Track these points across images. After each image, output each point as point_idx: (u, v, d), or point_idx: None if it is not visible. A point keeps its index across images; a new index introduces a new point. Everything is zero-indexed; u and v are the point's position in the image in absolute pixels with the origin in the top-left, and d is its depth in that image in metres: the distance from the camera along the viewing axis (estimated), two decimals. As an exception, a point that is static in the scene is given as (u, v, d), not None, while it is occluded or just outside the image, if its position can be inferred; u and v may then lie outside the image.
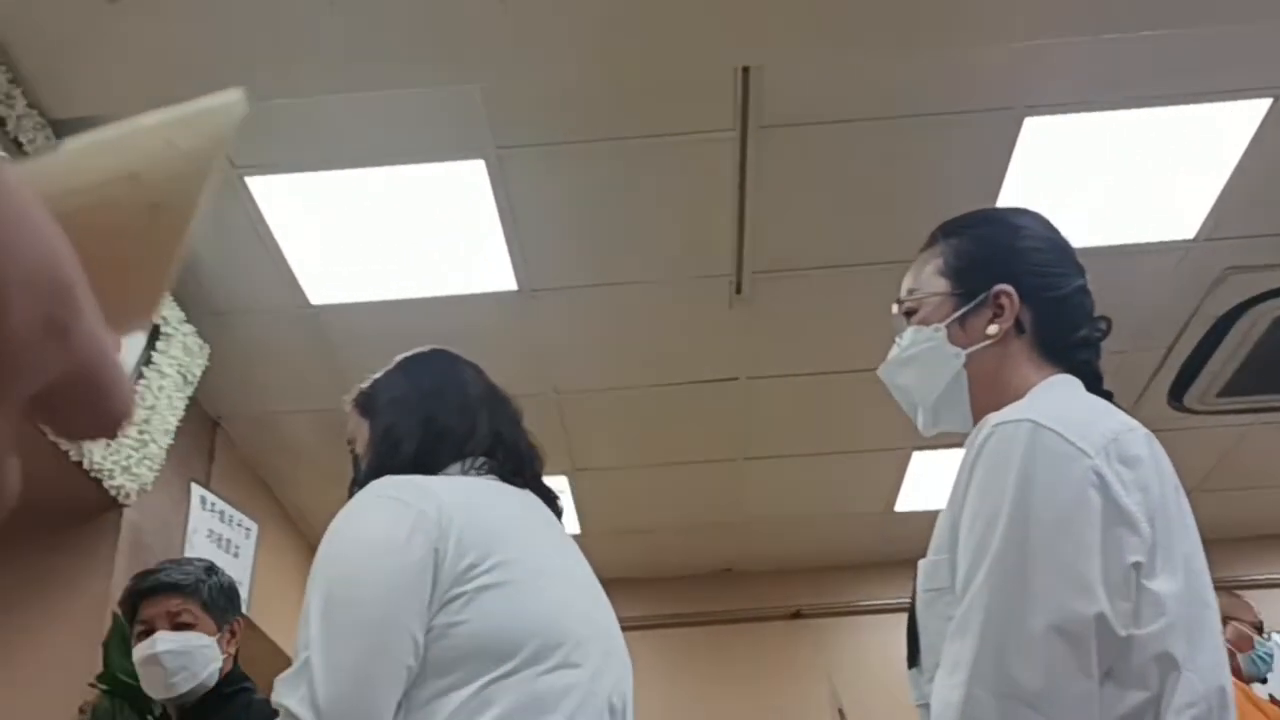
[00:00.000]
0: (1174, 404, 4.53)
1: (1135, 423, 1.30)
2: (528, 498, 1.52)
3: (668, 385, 4.34)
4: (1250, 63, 2.96)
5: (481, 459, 1.49)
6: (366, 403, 1.58)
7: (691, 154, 3.20)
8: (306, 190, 3.22)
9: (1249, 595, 5.93)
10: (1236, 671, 3.38)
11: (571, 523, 5.35)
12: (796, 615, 6.04)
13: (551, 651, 1.31)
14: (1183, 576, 1.22)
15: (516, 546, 1.38)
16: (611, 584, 6.17)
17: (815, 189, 3.36)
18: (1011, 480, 1.20)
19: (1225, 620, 3.41)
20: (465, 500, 1.40)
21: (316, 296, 3.67)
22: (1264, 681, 3.45)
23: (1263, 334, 4.03)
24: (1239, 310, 3.95)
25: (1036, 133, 3.17)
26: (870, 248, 3.55)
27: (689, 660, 5.95)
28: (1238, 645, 3.43)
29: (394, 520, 1.33)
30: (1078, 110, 3.12)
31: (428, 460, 1.46)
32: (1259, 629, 3.48)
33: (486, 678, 1.26)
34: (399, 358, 1.63)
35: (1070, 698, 1.13)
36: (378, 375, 1.61)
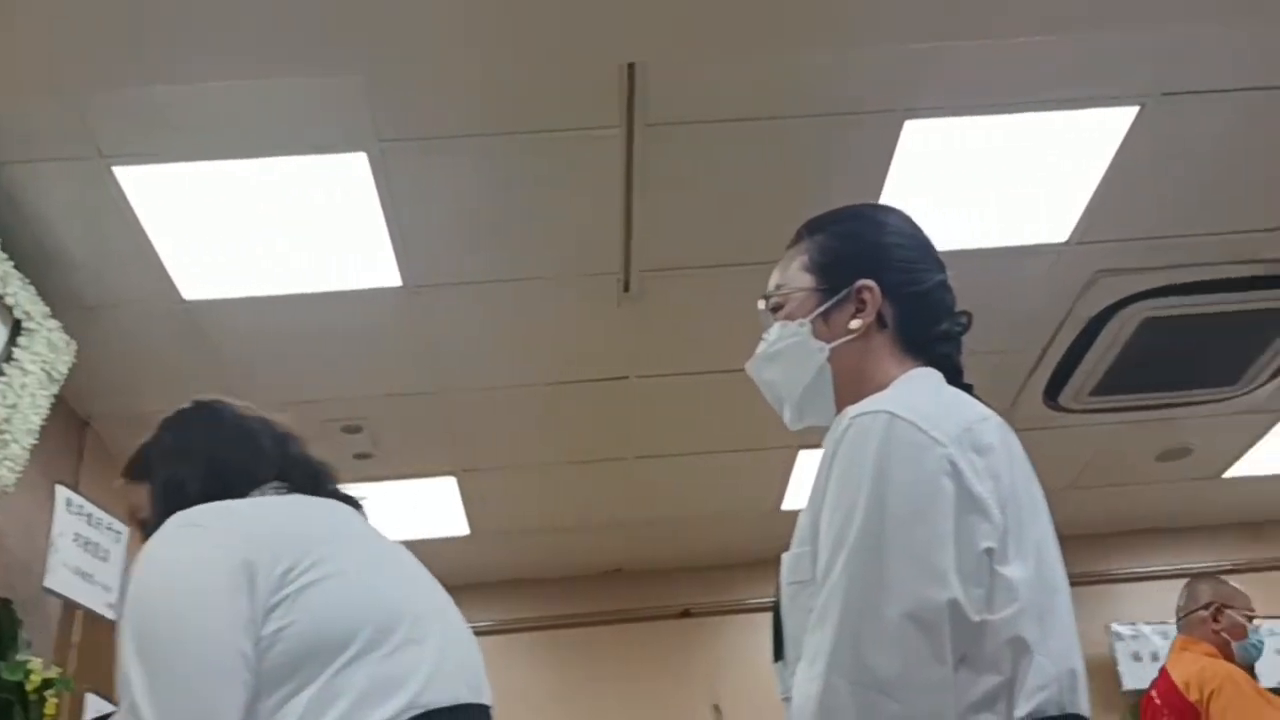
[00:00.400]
0: (1049, 403, 4.67)
1: (989, 412, 1.33)
2: (334, 505, 1.49)
3: (556, 384, 4.32)
4: (1118, 71, 3.06)
5: (275, 483, 1.46)
6: (139, 468, 1.54)
7: (578, 150, 3.18)
8: (179, 181, 3.11)
9: (1121, 589, 6.17)
10: (1231, 659, 3.45)
11: (459, 523, 5.29)
12: (685, 614, 6.08)
13: (390, 633, 1.29)
14: (1034, 562, 1.25)
15: (333, 545, 1.35)
16: (501, 585, 6.13)
17: (701, 188, 3.37)
18: (868, 471, 1.22)
19: (1221, 609, 3.48)
20: (270, 513, 1.39)
21: (190, 292, 3.55)
22: (1251, 669, 3.50)
23: (1131, 335, 4.17)
24: (1109, 312, 4.09)
25: (916, 135, 3.22)
26: (756, 247, 3.55)
27: (579, 660, 5.94)
28: (1232, 633, 3.50)
29: (195, 544, 1.30)
30: (956, 114, 3.18)
31: (219, 496, 1.42)
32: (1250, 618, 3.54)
33: (329, 671, 1.23)
34: (160, 419, 1.58)
35: (925, 684, 1.14)
36: (143, 441, 1.56)
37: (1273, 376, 4.61)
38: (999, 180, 3.43)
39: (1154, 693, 3.54)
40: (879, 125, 3.18)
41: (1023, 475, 1.31)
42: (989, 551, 1.20)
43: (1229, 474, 5.65)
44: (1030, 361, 4.39)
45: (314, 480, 1.50)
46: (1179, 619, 3.63)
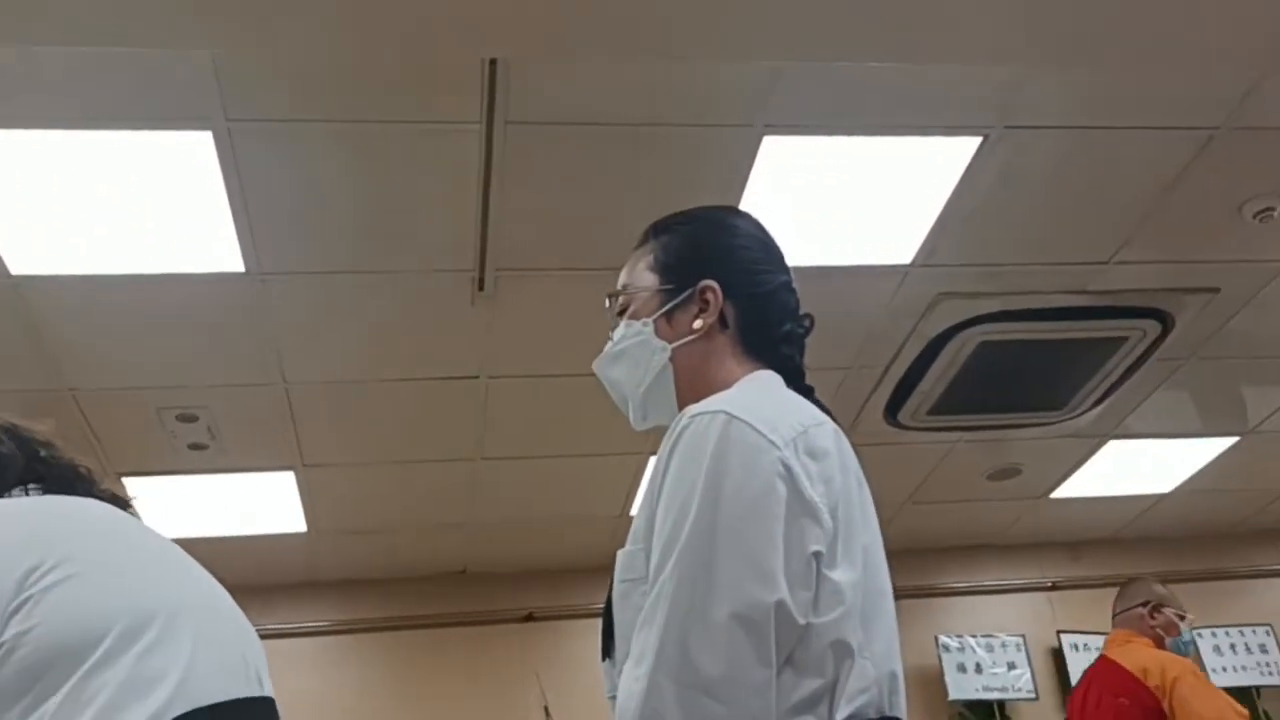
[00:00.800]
0: (889, 420, 4.80)
1: (824, 417, 1.35)
2: (91, 503, 1.39)
3: (405, 380, 4.24)
4: (963, 103, 3.17)
5: (20, 487, 1.37)
6: None
7: (436, 144, 3.13)
8: (7, 149, 2.94)
9: (950, 603, 6.40)
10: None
11: (297, 520, 5.13)
12: (529, 618, 6.04)
13: (146, 627, 1.20)
14: (861, 566, 1.27)
15: (84, 542, 1.26)
16: (342, 585, 5.95)
17: (560, 189, 3.36)
18: (703, 470, 1.22)
19: (1158, 608, 3.76)
20: (13, 514, 1.29)
21: (18, 266, 3.37)
22: None
23: (967, 358, 4.33)
24: (949, 334, 4.23)
25: (774, 151, 3.28)
26: (614, 252, 3.49)
27: (418, 663, 5.84)
28: (1167, 630, 3.77)
29: None
30: (812, 133, 3.25)
31: None
32: (1181, 618, 3.83)
33: (80, 672, 1.14)
34: None
35: (748, 686, 1.15)
36: None
37: (1097, 403, 4.85)
38: (850, 199, 3.51)
39: (1094, 681, 3.77)
40: (738, 138, 3.22)
41: (854, 481, 1.33)
42: (817, 555, 1.22)
43: (1056, 494, 5.92)
44: (873, 379, 4.51)
45: (71, 481, 1.40)
46: (1116, 614, 3.92)
